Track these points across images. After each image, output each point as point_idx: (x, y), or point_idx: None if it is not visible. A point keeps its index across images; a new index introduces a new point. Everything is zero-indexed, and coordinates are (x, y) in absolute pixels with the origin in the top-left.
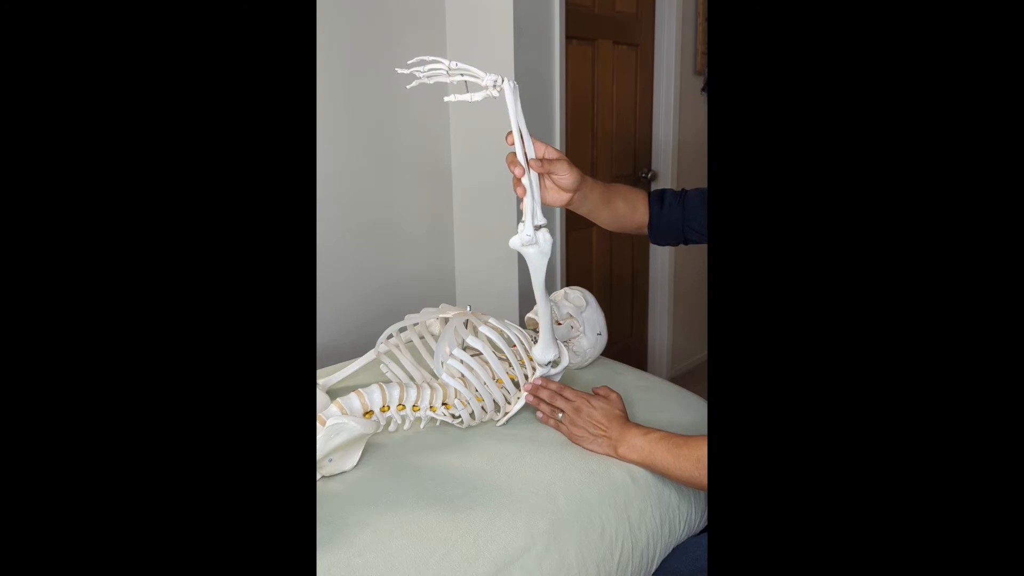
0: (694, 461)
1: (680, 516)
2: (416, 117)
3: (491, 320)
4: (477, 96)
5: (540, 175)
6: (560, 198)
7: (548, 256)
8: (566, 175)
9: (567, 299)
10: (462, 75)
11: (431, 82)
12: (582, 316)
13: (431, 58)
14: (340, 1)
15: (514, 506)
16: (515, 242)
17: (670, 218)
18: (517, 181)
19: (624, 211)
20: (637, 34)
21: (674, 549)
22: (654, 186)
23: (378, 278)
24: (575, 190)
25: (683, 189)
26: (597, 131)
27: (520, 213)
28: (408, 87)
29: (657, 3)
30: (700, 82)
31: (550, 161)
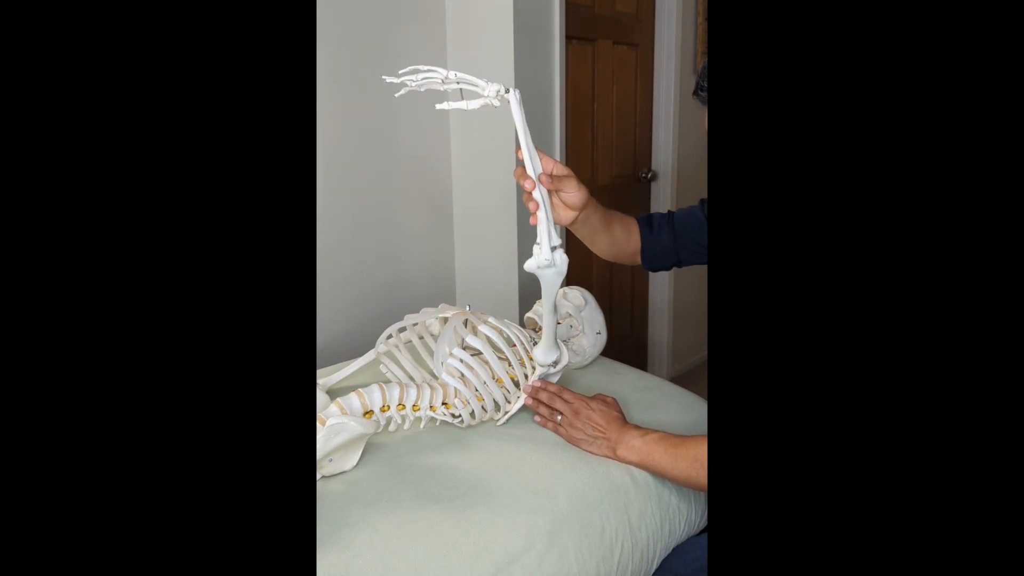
0: (691, 460)
1: (680, 516)
2: (417, 116)
3: (491, 319)
4: (474, 104)
5: (549, 192)
6: (566, 216)
7: (564, 276)
8: (574, 192)
9: (566, 298)
10: (458, 84)
11: (422, 90)
12: (581, 315)
13: (426, 67)
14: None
15: (514, 506)
16: (531, 264)
17: (662, 242)
18: (528, 195)
19: (621, 236)
20: (637, 34)
21: (674, 549)
22: (654, 186)
23: (378, 278)
24: (581, 208)
25: (669, 211)
26: (597, 131)
27: (521, 226)
28: (397, 95)
29: (657, 3)
30: None
31: (559, 178)
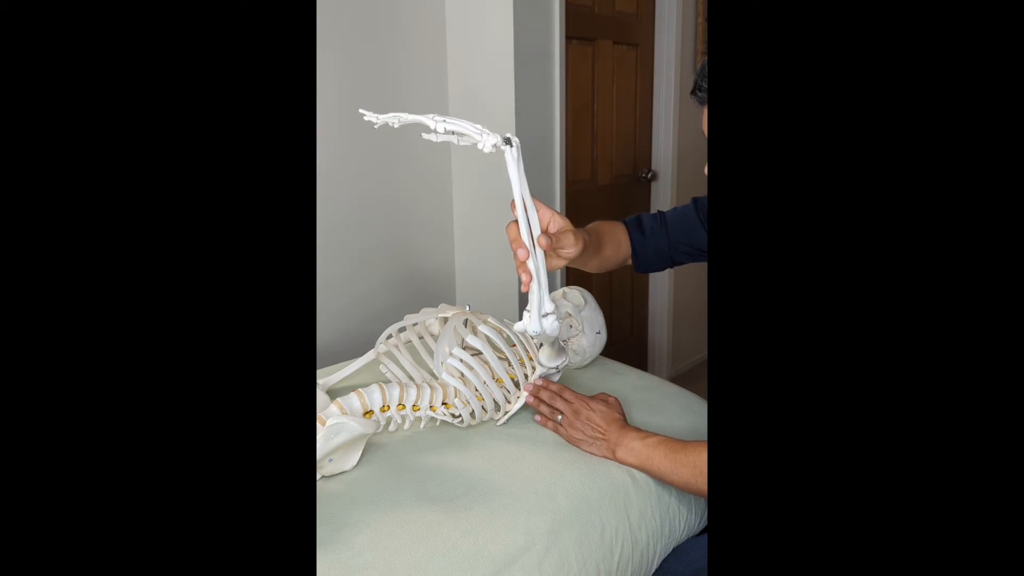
0: (691, 467)
1: (680, 517)
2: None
3: (490, 319)
4: (464, 142)
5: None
6: (557, 263)
7: (555, 336)
8: (572, 248)
9: (566, 298)
10: (446, 128)
11: (407, 124)
12: (581, 315)
13: (411, 116)
14: None
15: (514, 506)
16: (519, 327)
17: (656, 244)
18: (521, 264)
19: (611, 252)
20: (637, 34)
21: (673, 550)
22: (654, 186)
23: (377, 278)
24: (576, 257)
25: (659, 212)
26: (597, 131)
27: (515, 280)
28: (375, 126)
29: (657, 3)
30: None
31: (556, 236)
